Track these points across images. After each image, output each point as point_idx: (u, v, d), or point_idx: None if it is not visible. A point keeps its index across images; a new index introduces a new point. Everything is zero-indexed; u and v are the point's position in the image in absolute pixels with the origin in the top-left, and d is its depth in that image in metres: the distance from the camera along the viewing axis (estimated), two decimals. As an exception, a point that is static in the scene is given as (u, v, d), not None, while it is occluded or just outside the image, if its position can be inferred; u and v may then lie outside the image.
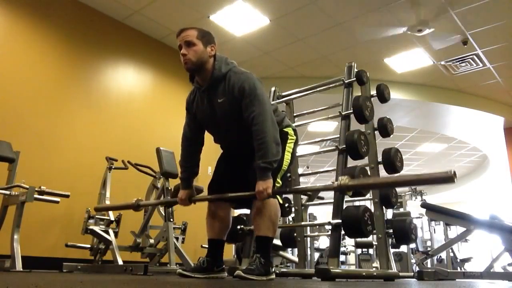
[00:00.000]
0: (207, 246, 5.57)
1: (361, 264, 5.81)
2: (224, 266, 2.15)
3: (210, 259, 2.07)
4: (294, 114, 3.37)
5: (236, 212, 4.00)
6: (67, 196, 3.30)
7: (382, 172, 3.02)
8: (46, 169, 3.97)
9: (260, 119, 1.93)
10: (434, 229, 7.57)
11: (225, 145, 2.25)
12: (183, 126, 2.21)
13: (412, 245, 6.17)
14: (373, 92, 2.96)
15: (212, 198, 2.11)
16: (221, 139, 2.21)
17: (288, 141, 2.15)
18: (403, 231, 2.79)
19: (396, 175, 1.80)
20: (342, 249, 6.69)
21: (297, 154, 3.31)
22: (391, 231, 2.83)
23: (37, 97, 4.10)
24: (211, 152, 2.24)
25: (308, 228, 4.32)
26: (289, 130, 2.19)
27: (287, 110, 3.37)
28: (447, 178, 1.48)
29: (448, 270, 3.35)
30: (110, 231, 3.54)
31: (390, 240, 2.92)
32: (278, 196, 2.07)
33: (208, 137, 2.25)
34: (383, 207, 2.88)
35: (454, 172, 1.47)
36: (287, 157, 2.11)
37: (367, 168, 2.80)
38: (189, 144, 2.18)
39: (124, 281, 1.43)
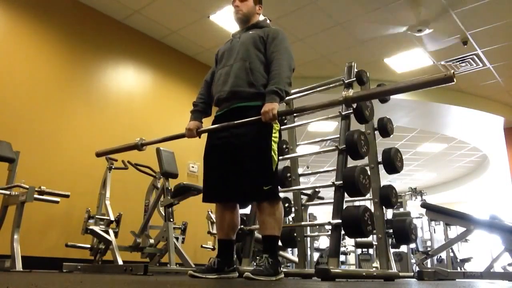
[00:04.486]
0: (207, 246, 5.55)
1: (361, 264, 5.82)
2: (235, 266, 2.14)
3: (221, 259, 2.07)
4: (294, 114, 3.37)
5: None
6: (67, 196, 3.30)
7: (382, 172, 3.02)
8: (46, 169, 3.97)
9: (280, 57, 2.11)
10: (434, 229, 7.57)
11: (219, 93, 2.20)
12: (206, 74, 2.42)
13: (412, 245, 6.18)
14: (373, 92, 2.96)
15: (218, 128, 2.14)
16: (223, 80, 2.19)
17: (273, 134, 2.10)
18: (403, 231, 2.80)
19: (394, 84, 1.85)
20: (342, 249, 6.69)
21: (297, 154, 3.33)
22: (391, 231, 2.84)
23: (37, 97, 4.10)
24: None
25: (308, 228, 4.33)
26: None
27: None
28: (447, 79, 1.56)
29: (448, 270, 3.35)
30: (110, 231, 3.54)
31: (390, 240, 2.93)
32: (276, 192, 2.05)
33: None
34: (383, 207, 2.88)
35: (453, 72, 1.55)
36: (275, 148, 2.08)
37: (367, 168, 2.81)
38: (206, 85, 2.39)
39: (124, 281, 1.43)
